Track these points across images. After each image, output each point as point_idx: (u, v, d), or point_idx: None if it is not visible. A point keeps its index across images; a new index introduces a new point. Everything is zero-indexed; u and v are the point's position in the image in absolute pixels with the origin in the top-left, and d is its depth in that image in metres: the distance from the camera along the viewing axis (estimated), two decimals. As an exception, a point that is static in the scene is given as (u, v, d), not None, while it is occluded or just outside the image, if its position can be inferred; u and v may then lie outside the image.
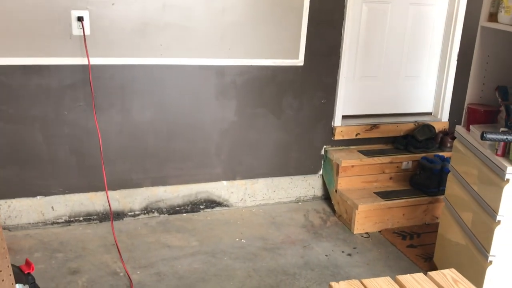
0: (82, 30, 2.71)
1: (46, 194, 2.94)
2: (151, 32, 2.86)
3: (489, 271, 2.16)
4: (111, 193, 3.03)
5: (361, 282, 1.56)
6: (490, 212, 2.15)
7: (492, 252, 2.13)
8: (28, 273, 1.75)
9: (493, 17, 2.38)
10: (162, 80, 2.97)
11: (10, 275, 1.40)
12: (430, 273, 1.64)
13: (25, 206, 2.92)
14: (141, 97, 2.96)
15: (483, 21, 2.42)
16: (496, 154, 2.15)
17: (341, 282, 1.54)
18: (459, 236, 2.46)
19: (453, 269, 1.66)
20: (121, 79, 2.89)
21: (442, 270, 1.66)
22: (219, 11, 2.96)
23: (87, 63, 2.76)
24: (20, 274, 1.71)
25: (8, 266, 1.41)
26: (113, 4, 2.75)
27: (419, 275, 1.62)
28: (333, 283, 1.53)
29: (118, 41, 2.81)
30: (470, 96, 2.55)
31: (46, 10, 2.65)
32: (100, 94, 2.87)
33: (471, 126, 2.43)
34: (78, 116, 2.86)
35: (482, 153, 2.25)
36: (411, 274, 1.62)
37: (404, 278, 1.60)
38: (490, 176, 2.16)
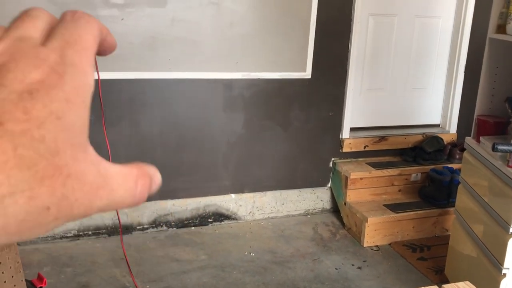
0: (91, 45, 2.72)
1: (55, 208, 2.94)
2: (160, 47, 2.88)
3: (503, 284, 2.13)
4: (119, 207, 3.02)
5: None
6: (502, 224, 2.13)
7: (506, 265, 2.11)
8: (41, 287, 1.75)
9: (501, 28, 2.38)
10: (170, 94, 2.99)
11: (23, 289, 1.40)
12: (444, 286, 1.62)
13: (34, 220, 2.92)
14: (150, 110, 2.97)
15: (491, 33, 2.42)
16: (508, 166, 2.13)
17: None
18: (471, 248, 2.44)
19: (467, 282, 1.63)
20: (130, 93, 2.91)
21: (457, 283, 1.63)
22: (226, 25, 2.98)
23: (96, 77, 2.78)
24: (32, 288, 1.71)
25: (22, 281, 1.41)
26: (122, 19, 2.78)
27: (433, 288, 1.60)
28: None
29: (127, 55, 2.83)
30: (479, 107, 2.55)
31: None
32: (109, 108, 2.88)
33: (481, 138, 2.42)
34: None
35: (493, 165, 2.24)
36: (426, 287, 1.60)
37: (418, 291, 1.58)
38: (502, 187, 2.15)
